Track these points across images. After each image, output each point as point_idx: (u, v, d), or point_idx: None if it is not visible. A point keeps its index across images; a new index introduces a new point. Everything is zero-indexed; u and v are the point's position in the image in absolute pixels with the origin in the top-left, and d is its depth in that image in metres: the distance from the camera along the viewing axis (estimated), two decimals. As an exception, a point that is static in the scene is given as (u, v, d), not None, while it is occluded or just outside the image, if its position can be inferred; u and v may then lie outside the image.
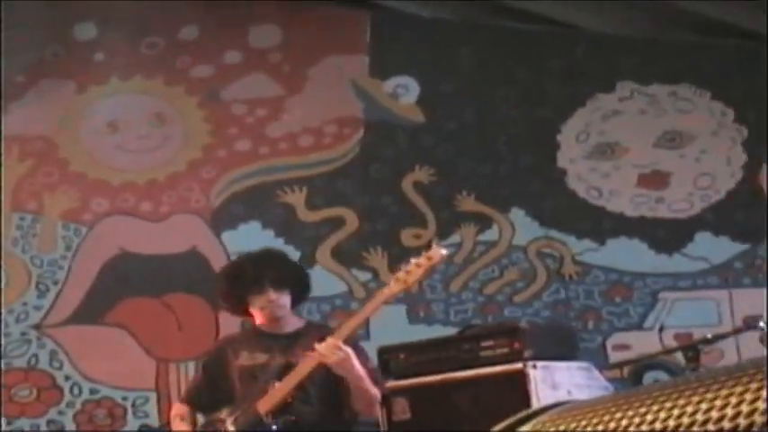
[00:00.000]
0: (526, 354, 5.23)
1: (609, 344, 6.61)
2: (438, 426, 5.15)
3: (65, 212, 6.98)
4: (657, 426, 0.91)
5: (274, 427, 4.63)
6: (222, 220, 6.94)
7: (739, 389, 0.88)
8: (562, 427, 1.01)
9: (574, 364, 5.46)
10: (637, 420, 0.94)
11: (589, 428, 0.97)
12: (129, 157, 7.11)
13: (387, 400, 5.37)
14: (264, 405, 4.65)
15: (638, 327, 6.58)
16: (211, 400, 4.93)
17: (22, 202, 6.99)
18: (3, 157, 7.02)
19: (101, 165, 7.08)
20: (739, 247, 6.64)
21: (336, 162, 7.04)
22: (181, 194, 7.03)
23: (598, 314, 6.66)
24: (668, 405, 0.92)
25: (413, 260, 4.69)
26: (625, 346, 6.51)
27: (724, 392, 0.89)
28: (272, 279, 4.84)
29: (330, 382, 4.70)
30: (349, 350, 4.61)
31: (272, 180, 7.01)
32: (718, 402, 0.88)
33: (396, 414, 5.33)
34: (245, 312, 4.99)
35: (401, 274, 4.66)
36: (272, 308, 4.87)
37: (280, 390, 4.65)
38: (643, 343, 6.36)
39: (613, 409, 0.98)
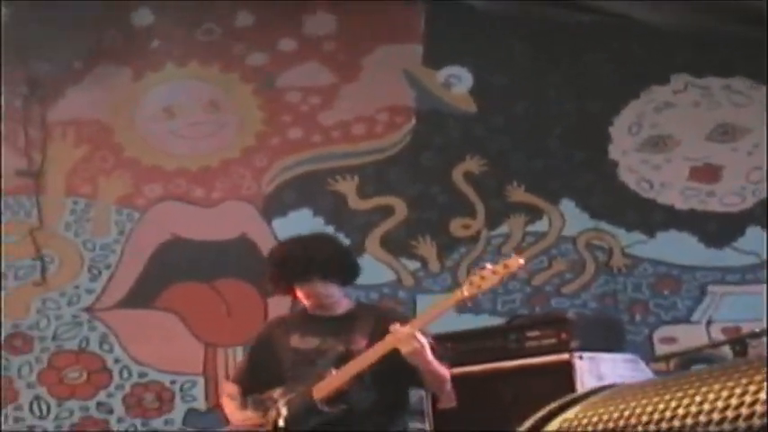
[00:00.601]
0: (573, 344, 5.24)
1: (656, 336, 6.56)
2: (483, 415, 5.16)
3: (119, 197, 7.07)
4: (676, 423, 0.92)
5: (326, 409, 4.62)
6: (273, 207, 6.99)
7: (744, 380, 0.90)
8: (594, 419, 1.02)
9: (620, 356, 5.45)
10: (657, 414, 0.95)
11: (633, 419, 0.98)
12: (183, 144, 7.18)
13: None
14: (320, 391, 4.64)
15: (686, 320, 6.53)
16: (260, 381, 4.90)
17: (76, 186, 7.09)
18: (57, 142, 7.12)
19: (155, 150, 7.15)
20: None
21: (388, 151, 7.06)
22: (233, 181, 7.09)
23: (646, 307, 6.62)
24: (680, 394, 0.93)
25: (489, 266, 4.61)
26: (672, 339, 6.47)
27: (730, 383, 0.91)
28: (318, 269, 4.81)
29: (385, 369, 4.63)
30: (424, 340, 4.55)
31: (324, 168, 7.05)
32: (724, 393, 0.89)
33: (441, 403, 5.34)
34: (295, 295, 4.96)
35: (476, 279, 4.58)
36: (317, 297, 4.87)
37: (338, 377, 4.64)
38: (690, 336, 6.32)
39: (655, 398, 0.99)
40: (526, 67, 7.06)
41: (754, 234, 6.61)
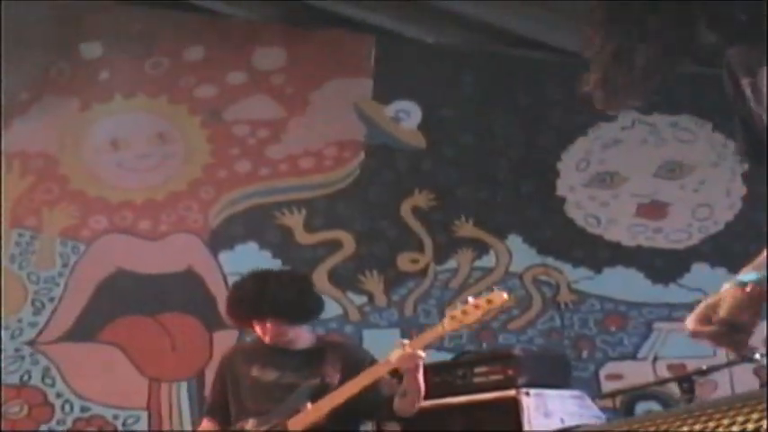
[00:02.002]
0: (519, 381, 5.24)
1: (602, 373, 6.57)
2: (430, 451, 5.14)
3: (63, 229, 6.98)
4: None
5: None
6: (220, 240, 6.93)
7: (741, 418, 0.87)
8: None
9: (567, 393, 5.45)
10: None
11: None
12: (130, 176, 7.12)
13: (380, 424, 5.37)
14: (296, 425, 4.63)
15: (632, 356, 6.55)
16: (229, 411, 4.89)
17: (21, 218, 6.99)
18: (3, 173, 7.03)
19: (101, 182, 7.08)
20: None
21: (336, 185, 7.04)
22: (179, 214, 7.03)
23: (592, 343, 6.63)
24: None
25: (471, 299, 4.58)
26: (618, 376, 6.48)
27: (726, 422, 0.88)
28: (272, 310, 4.81)
29: (358, 402, 4.65)
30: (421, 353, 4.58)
31: (271, 201, 7.02)
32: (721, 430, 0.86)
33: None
34: (251, 327, 4.95)
35: (457, 313, 4.55)
36: (273, 337, 4.85)
37: (315, 411, 4.63)
38: (636, 373, 6.33)
39: None
40: (475, 102, 7.09)
41: (699, 271, 6.65)
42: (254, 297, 4.82)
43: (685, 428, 0.90)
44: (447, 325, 4.56)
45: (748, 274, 2.05)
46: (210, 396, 5.15)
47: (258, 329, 4.87)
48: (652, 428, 0.91)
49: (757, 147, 2.09)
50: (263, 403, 4.75)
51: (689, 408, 0.95)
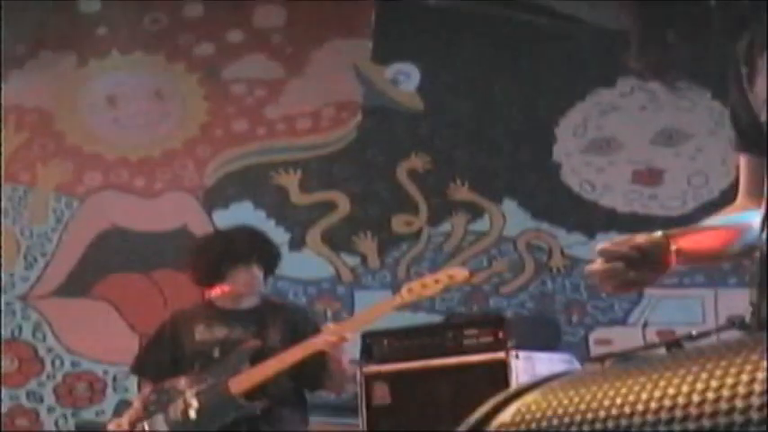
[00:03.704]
0: (509, 343, 5.22)
1: (592, 338, 6.58)
2: (418, 412, 5.14)
3: (58, 185, 6.98)
4: (653, 404, 0.86)
5: (246, 404, 4.60)
6: (214, 199, 6.93)
7: (738, 360, 0.84)
8: (549, 411, 0.96)
9: (555, 356, 5.45)
10: (631, 398, 0.89)
11: (582, 405, 0.93)
12: (126, 133, 7.10)
13: (368, 384, 5.36)
14: (239, 385, 4.62)
15: (622, 322, 6.54)
16: (161, 371, 4.85)
17: (15, 173, 6.99)
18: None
19: (97, 139, 7.07)
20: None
21: (332, 146, 7.02)
22: (175, 172, 7.02)
23: (583, 308, 6.63)
24: (662, 383, 0.88)
25: (430, 275, 4.65)
26: (608, 341, 6.47)
27: (723, 363, 0.84)
28: (259, 257, 4.86)
29: (302, 367, 4.66)
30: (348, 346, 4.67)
31: (267, 161, 7.00)
32: (718, 372, 0.84)
33: (375, 399, 5.32)
34: (210, 285, 4.93)
35: (416, 286, 4.60)
36: (254, 284, 4.87)
37: (259, 372, 4.61)
38: (626, 338, 6.32)
39: (605, 385, 0.93)
40: (474, 66, 7.05)
41: (693, 238, 6.62)
42: (247, 243, 4.87)
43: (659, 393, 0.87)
44: (406, 296, 4.60)
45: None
46: (142, 353, 5.14)
47: (240, 278, 4.83)
48: (631, 397, 0.87)
49: (741, 136, 2.10)
50: (210, 362, 4.73)
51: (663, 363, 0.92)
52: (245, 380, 4.61)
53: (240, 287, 4.86)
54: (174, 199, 6.97)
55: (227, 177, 6.98)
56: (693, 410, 0.82)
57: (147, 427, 4.72)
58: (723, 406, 0.80)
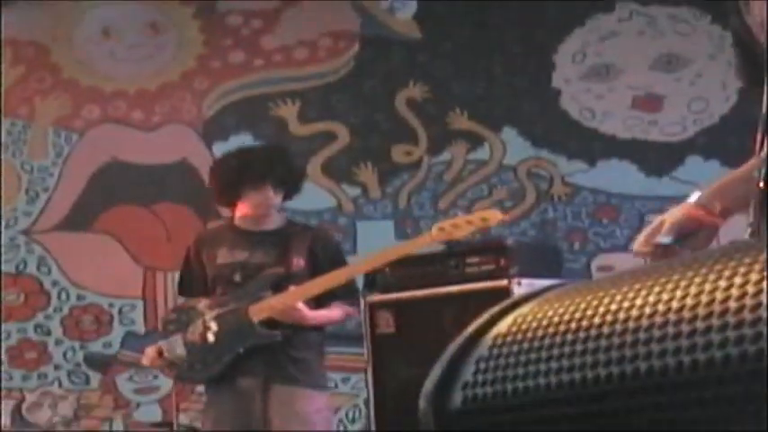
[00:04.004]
0: (511, 270, 5.24)
1: (594, 264, 6.60)
2: (421, 340, 5.16)
3: (56, 119, 6.96)
4: (647, 309, 0.87)
5: (265, 333, 4.55)
6: (214, 131, 6.92)
7: (732, 263, 0.85)
8: (545, 320, 0.98)
9: (557, 283, 5.47)
10: (626, 303, 0.90)
11: (577, 314, 0.94)
12: (122, 66, 7.07)
13: (372, 313, 5.38)
14: (259, 313, 4.55)
15: (624, 248, 6.55)
16: (195, 290, 4.79)
17: (13, 107, 6.97)
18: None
19: (93, 72, 7.04)
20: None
21: (330, 76, 7.00)
22: (173, 105, 7.00)
23: (584, 235, 6.65)
24: (670, 285, 0.89)
25: (463, 215, 4.58)
26: (609, 268, 6.50)
27: (717, 267, 0.85)
28: (274, 178, 4.70)
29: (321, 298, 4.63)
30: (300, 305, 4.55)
31: (265, 92, 6.98)
32: (712, 276, 0.85)
33: (380, 327, 5.36)
34: (232, 204, 4.85)
35: (447, 225, 4.52)
36: (266, 206, 4.74)
37: (280, 301, 4.55)
38: (628, 265, 6.32)
39: (600, 293, 0.94)
40: (471, -7, 7.00)
41: (693, 164, 6.63)
42: (263, 162, 4.72)
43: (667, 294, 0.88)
44: (434, 235, 4.55)
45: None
46: (179, 278, 5.02)
47: (254, 199, 4.72)
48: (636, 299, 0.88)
49: (751, 67, 2.07)
50: (226, 286, 4.67)
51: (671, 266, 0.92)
52: (266, 308, 4.55)
53: (253, 208, 4.75)
54: (173, 132, 6.96)
55: (226, 109, 6.97)
56: (687, 314, 0.83)
57: (164, 348, 4.67)
58: (717, 308, 0.81)
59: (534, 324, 0.98)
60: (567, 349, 0.92)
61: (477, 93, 6.88)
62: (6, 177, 6.88)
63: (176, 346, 4.66)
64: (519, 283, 5.22)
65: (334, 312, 4.71)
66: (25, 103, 6.97)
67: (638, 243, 2.26)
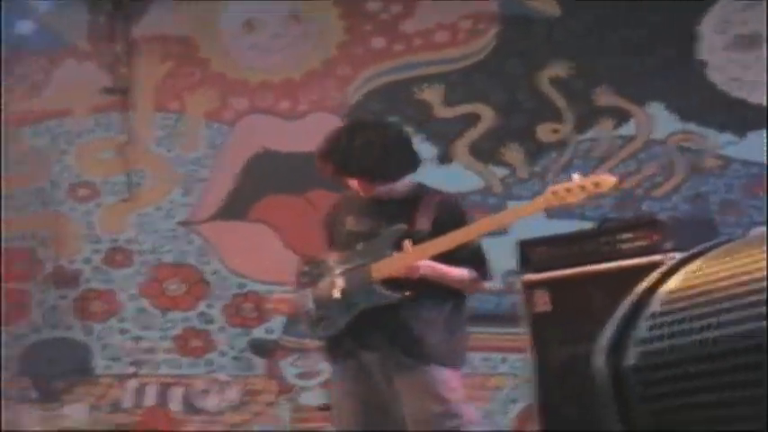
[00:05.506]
0: (665, 245, 5.20)
1: (749, 237, 6.51)
2: (577, 317, 5.19)
3: (207, 112, 7.15)
4: None
5: (386, 293, 4.42)
6: (359, 117, 6.99)
7: None
8: (716, 268, 1.04)
9: (720, 240, 5.42)
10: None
11: (737, 270, 1.00)
12: (266, 57, 7.21)
13: (528, 292, 5.42)
14: (379, 271, 4.44)
15: (780, 220, 6.48)
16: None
17: (164, 102, 7.18)
18: (143, 58, 7.18)
19: (239, 64, 7.20)
20: None
21: (472, 58, 7.02)
22: (317, 93, 7.12)
23: (738, 208, 6.56)
24: None
25: (576, 178, 4.34)
26: (766, 241, 6.41)
27: None
28: (357, 169, 4.53)
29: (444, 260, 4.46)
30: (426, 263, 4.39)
31: (408, 77, 7.04)
32: None
33: (537, 306, 5.40)
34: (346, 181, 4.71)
35: (560, 189, 4.34)
36: (363, 190, 4.60)
37: (401, 260, 4.40)
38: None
39: (755, 254, 1.00)
40: (610, -33, 6.95)
41: None
42: (341, 154, 4.53)
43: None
44: (548, 199, 4.37)
45: None
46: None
47: (349, 183, 4.64)
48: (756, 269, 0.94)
49: None
50: (362, 247, 4.55)
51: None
52: (386, 266, 4.42)
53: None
54: (319, 120, 7.06)
55: (370, 95, 7.05)
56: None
57: (297, 300, 4.66)
58: None
59: (704, 279, 1.04)
60: (737, 302, 0.98)
61: (620, 67, 6.83)
62: (163, 170, 7.09)
63: (306, 301, 4.64)
64: (674, 258, 5.21)
65: (455, 270, 4.49)
66: (176, 98, 7.17)
67: None
